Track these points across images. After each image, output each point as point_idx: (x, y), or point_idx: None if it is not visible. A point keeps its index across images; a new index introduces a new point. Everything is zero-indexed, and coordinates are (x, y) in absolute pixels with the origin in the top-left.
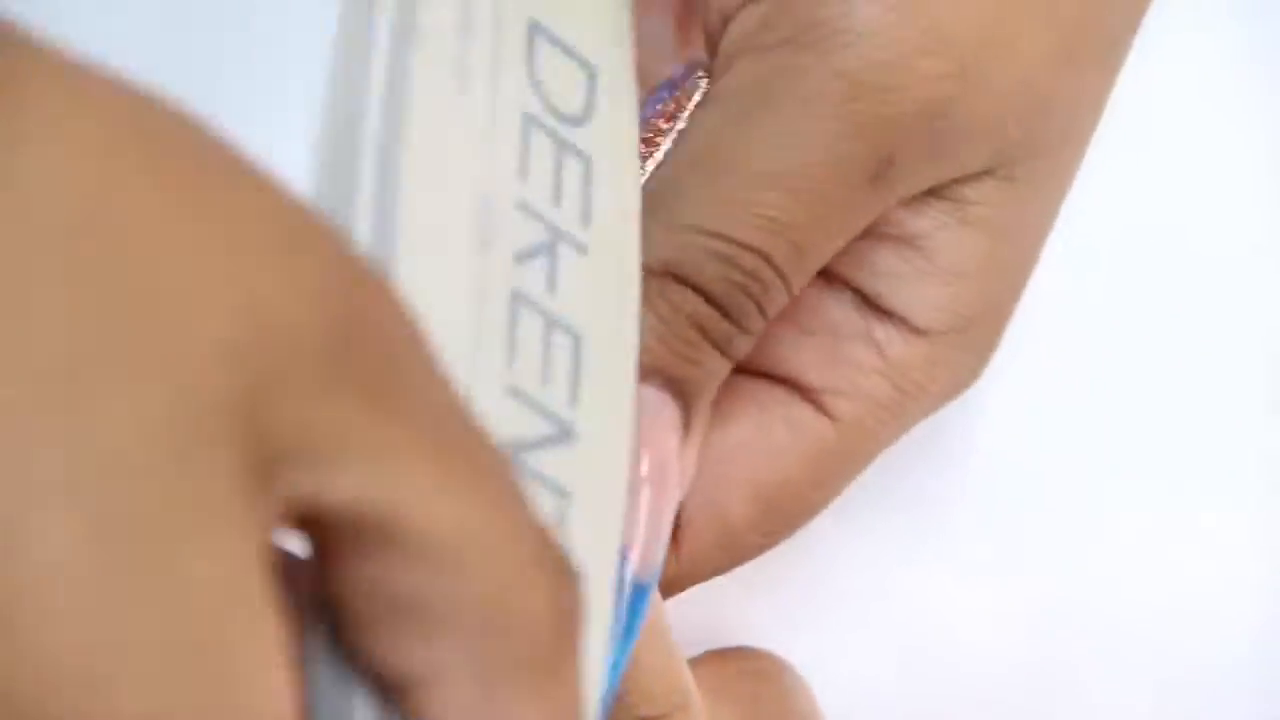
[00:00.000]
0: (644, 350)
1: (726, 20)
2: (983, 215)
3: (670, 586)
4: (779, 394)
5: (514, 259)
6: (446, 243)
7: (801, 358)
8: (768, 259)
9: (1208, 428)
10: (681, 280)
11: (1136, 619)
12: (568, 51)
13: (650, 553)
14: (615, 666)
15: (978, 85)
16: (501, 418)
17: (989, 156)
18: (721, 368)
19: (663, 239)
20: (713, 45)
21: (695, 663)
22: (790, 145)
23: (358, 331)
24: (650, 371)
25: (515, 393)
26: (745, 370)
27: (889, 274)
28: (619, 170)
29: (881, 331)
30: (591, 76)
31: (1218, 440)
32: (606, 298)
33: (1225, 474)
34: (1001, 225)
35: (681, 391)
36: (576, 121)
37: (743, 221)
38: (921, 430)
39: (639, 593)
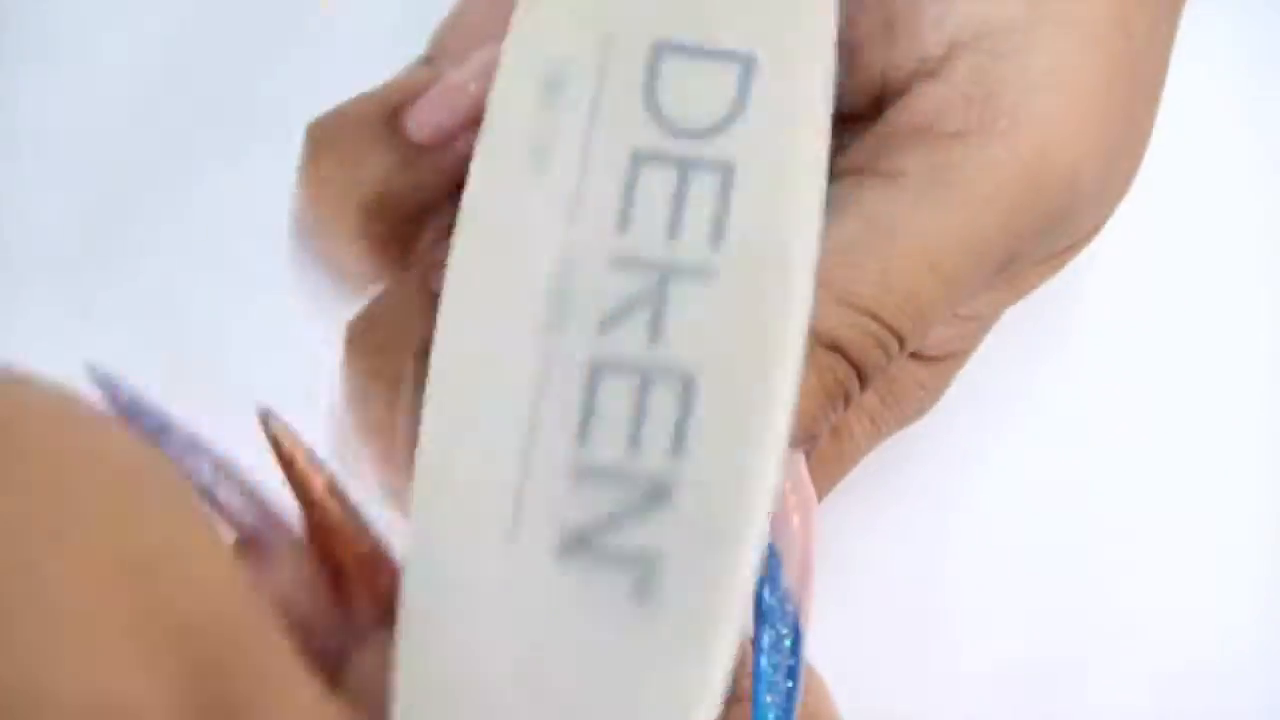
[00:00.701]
0: (812, 417)
1: (895, 88)
2: (1011, 274)
3: None
4: None
5: (598, 326)
6: (502, 332)
7: None
8: (904, 341)
9: (1209, 426)
10: (848, 357)
11: (1140, 617)
12: (708, 54)
13: (808, 604)
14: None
15: (1111, 178)
16: (569, 503)
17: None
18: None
19: (833, 313)
20: (871, 96)
21: None
22: (962, 238)
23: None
24: (810, 437)
25: (587, 472)
26: None
27: None
28: (779, 165)
29: None
30: (746, 69)
31: (1219, 439)
32: (744, 316)
33: (1227, 472)
34: (1025, 283)
35: (810, 450)
36: (713, 131)
37: (909, 315)
38: (925, 427)
39: (799, 638)
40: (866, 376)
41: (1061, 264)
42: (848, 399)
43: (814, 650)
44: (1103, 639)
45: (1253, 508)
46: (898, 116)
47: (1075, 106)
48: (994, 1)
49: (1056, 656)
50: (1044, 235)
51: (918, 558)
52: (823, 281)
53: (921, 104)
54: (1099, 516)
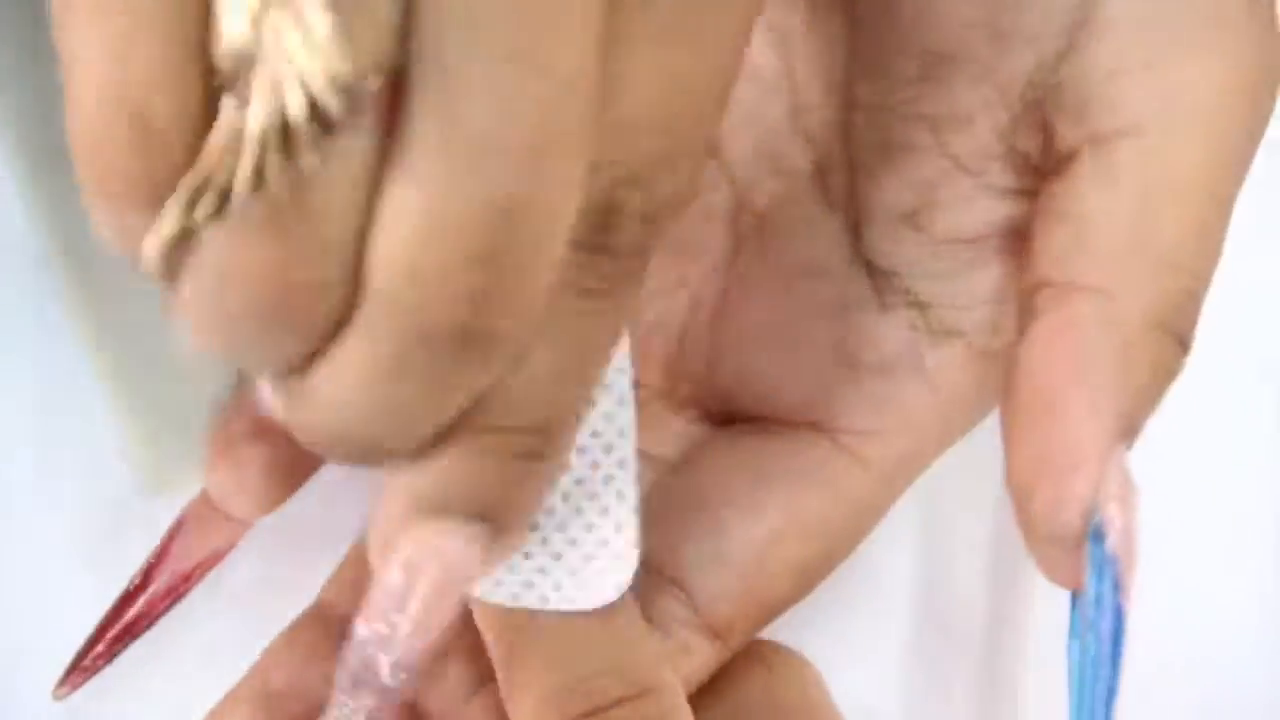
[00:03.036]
0: None
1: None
2: None
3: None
4: (811, 454)
5: None
6: None
7: (843, 399)
8: None
9: (1208, 424)
10: None
11: (1140, 617)
12: None
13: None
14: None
15: None
16: None
17: None
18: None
19: None
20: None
21: None
22: None
23: None
24: None
25: None
26: (776, 420)
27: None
28: None
29: (933, 358)
30: None
31: (1219, 437)
32: None
33: (1226, 473)
34: None
35: None
36: None
37: None
38: None
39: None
40: None
41: None
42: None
43: (813, 651)
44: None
45: (1253, 508)
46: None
47: None
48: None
49: (1056, 657)
50: None
51: (917, 559)
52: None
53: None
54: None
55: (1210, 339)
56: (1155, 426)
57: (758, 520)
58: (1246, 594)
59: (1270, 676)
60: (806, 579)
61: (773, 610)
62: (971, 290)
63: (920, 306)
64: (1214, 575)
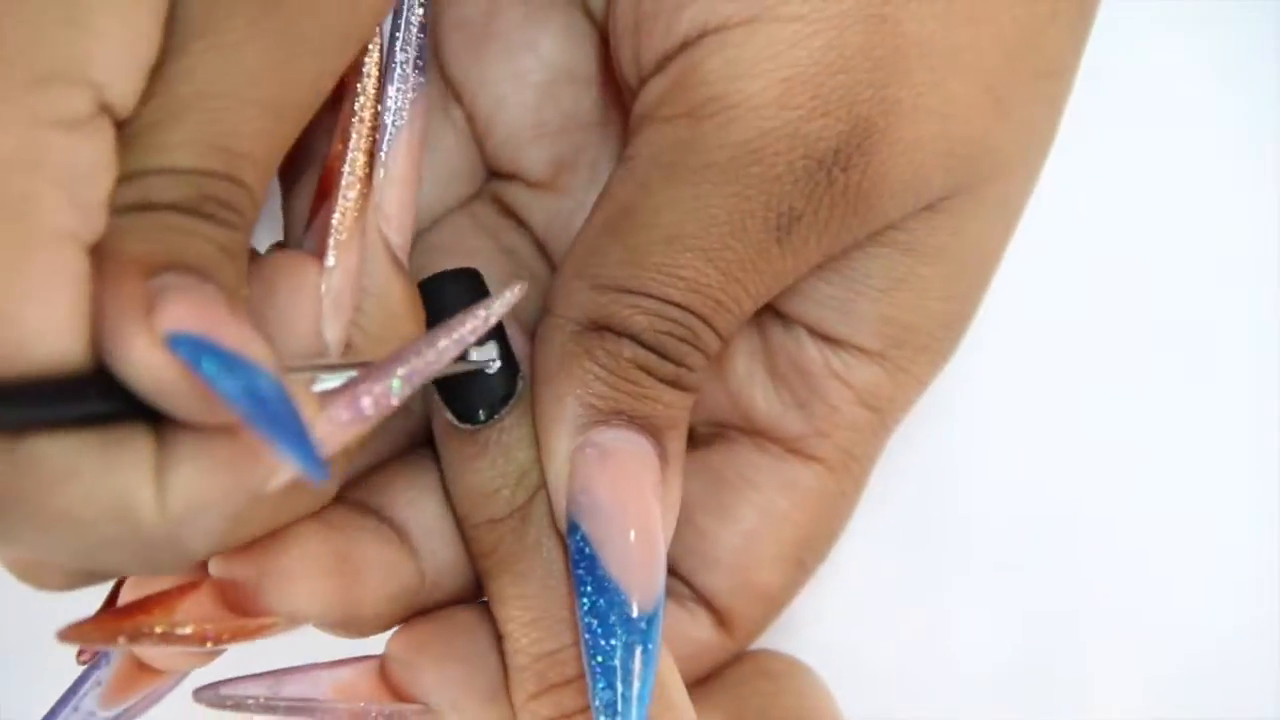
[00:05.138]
0: (599, 396)
1: (641, 82)
2: (905, 239)
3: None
4: (764, 462)
5: None
6: None
7: (777, 405)
8: (692, 311)
9: (1207, 426)
10: (616, 331)
11: (1138, 617)
12: None
13: (648, 587)
14: (641, 700)
15: (886, 142)
16: None
17: (914, 202)
18: (680, 400)
19: (588, 298)
20: (629, 102)
21: None
22: (693, 209)
23: None
24: (613, 413)
25: None
26: (729, 431)
27: (821, 301)
28: None
29: (839, 361)
30: None
31: (1217, 439)
32: None
33: (1225, 472)
34: (930, 248)
35: (649, 427)
36: None
37: (661, 282)
38: (924, 428)
39: (648, 622)
40: (661, 348)
41: (929, 219)
42: (656, 373)
43: (816, 652)
44: (1101, 639)
45: (1252, 508)
46: (635, 108)
47: (781, 88)
48: (718, 2)
49: (1054, 657)
50: (805, 195)
51: (917, 558)
52: (577, 272)
53: (652, 92)
54: (1097, 517)
55: (1208, 338)
56: None
57: (734, 522)
58: None
59: (1270, 678)
60: (795, 568)
61: (770, 600)
62: (839, 301)
63: (804, 324)
64: (1213, 576)
